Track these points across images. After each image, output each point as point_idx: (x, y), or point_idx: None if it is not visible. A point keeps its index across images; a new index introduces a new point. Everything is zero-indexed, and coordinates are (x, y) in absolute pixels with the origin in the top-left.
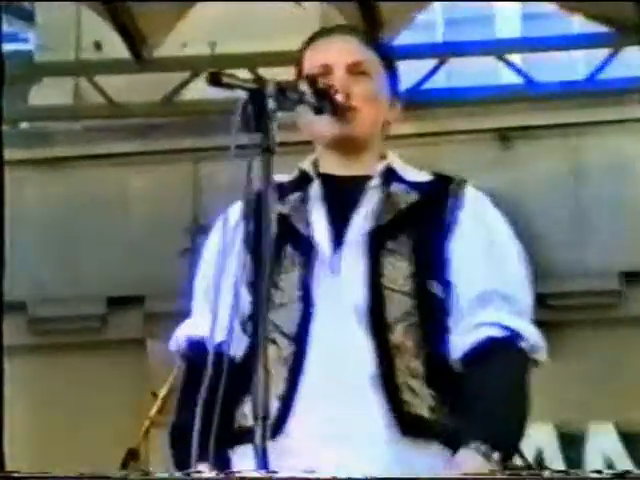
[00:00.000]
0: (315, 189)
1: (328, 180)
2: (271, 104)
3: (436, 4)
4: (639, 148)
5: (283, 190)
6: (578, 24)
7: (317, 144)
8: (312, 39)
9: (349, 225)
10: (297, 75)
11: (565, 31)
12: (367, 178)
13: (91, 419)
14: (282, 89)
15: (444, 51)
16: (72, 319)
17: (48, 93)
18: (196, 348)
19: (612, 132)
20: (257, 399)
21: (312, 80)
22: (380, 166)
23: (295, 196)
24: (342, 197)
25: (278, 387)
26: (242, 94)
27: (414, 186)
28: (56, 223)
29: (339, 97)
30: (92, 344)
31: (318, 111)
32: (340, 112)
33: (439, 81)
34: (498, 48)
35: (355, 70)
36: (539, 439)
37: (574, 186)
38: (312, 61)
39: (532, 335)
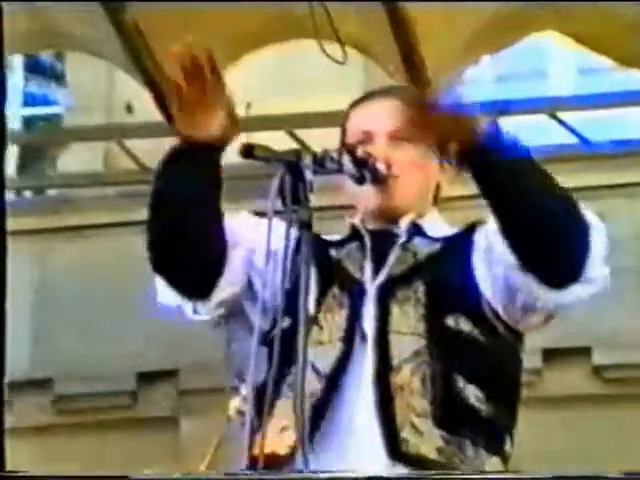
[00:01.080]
0: (368, 242)
1: (374, 236)
2: (308, 176)
3: (485, 61)
4: None
5: (338, 241)
6: (636, 80)
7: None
8: (356, 102)
9: (377, 278)
10: (342, 138)
11: (621, 87)
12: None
13: None
14: (320, 160)
15: (494, 109)
16: (101, 396)
17: (78, 158)
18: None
19: None
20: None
21: (351, 150)
22: (405, 223)
23: (352, 245)
24: (381, 252)
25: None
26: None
27: (437, 239)
28: (84, 293)
29: (380, 166)
30: (121, 422)
31: (359, 181)
32: (382, 181)
33: None
34: (551, 105)
35: (397, 136)
36: None
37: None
38: (354, 127)
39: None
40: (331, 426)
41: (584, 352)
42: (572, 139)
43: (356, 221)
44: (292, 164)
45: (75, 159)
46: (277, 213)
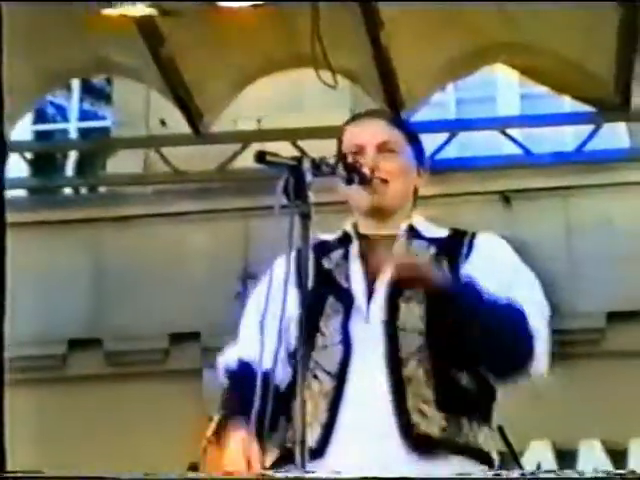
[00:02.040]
0: (355, 248)
1: (365, 240)
2: (308, 177)
3: (449, 87)
4: (620, 207)
5: (328, 247)
6: (568, 103)
7: (354, 210)
8: (349, 121)
9: (378, 279)
10: (338, 147)
11: (557, 110)
12: (395, 237)
13: (155, 439)
14: (317, 164)
15: (455, 126)
16: (140, 353)
17: (123, 162)
18: (245, 368)
19: (597, 194)
20: (297, 425)
21: (342, 157)
22: (403, 226)
23: (338, 253)
24: (375, 255)
25: (320, 417)
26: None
27: (433, 241)
28: (129, 271)
29: (365, 170)
30: (156, 374)
31: (348, 182)
32: (367, 183)
33: (451, 151)
34: (500, 124)
35: (384, 148)
36: (537, 454)
37: (567, 240)
38: (348, 141)
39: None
40: (346, 416)
41: None
42: (518, 150)
43: (348, 227)
44: (295, 168)
45: (121, 163)
46: (283, 207)
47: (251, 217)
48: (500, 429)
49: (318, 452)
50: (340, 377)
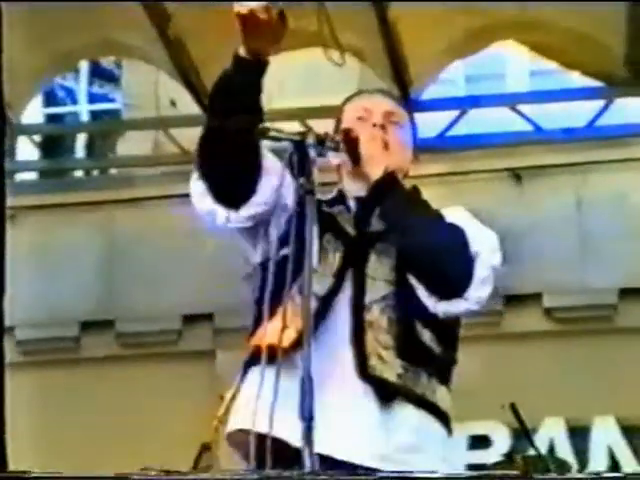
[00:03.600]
0: (353, 205)
1: (356, 201)
2: (312, 153)
3: (458, 64)
4: (633, 183)
5: (327, 201)
6: (578, 79)
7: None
8: (351, 97)
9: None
10: (336, 125)
11: (567, 86)
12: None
13: (168, 420)
14: (321, 140)
15: (465, 104)
16: (152, 334)
17: (133, 144)
18: None
19: (609, 169)
20: (303, 402)
21: (344, 131)
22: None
23: (340, 206)
24: (364, 215)
25: (297, 324)
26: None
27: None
28: (141, 253)
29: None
30: (169, 355)
31: (352, 157)
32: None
33: (461, 129)
34: (510, 100)
35: (389, 118)
36: (550, 431)
37: (578, 217)
38: (355, 106)
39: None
40: (323, 337)
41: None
42: (528, 127)
43: (342, 188)
44: (299, 143)
45: (131, 145)
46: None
47: None
48: (512, 406)
49: (288, 350)
50: (325, 301)
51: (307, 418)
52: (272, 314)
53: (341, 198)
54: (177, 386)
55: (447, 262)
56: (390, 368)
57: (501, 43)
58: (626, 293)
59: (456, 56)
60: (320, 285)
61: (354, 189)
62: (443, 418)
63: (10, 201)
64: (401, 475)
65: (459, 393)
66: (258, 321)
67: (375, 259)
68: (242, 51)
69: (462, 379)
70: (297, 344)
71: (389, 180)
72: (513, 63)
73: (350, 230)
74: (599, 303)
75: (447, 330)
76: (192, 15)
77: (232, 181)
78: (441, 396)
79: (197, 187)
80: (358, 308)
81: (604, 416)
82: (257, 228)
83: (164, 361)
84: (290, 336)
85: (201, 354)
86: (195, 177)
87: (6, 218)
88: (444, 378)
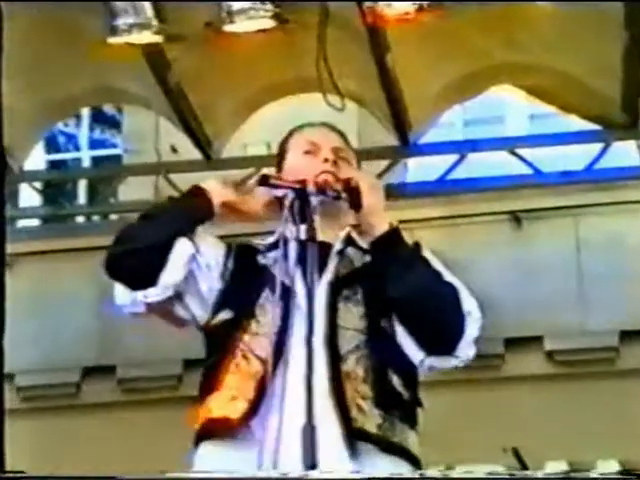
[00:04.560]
0: (293, 250)
1: (304, 246)
2: (313, 201)
3: (457, 108)
4: (630, 225)
5: (264, 247)
6: (577, 123)
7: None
8: (298, 127)
9: (320, 280)
10: (278, 159)
11: (566, 129)
12: (331, 245)
13: (170, 466)
14: (322, 188)
15: (463, 148)
16: (153, 379)
17: (133, 189)
18: None
19: (607, 212)
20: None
21: (346, 181)
22: (342, 234)
23: (277, 253)
24: (315, 259)
25: (246, 393)
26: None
27: (367, 251)
28: None
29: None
30: (171, 400)
31: (355, 208)
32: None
33: (461, 172)
34: (509, 144)
35: (338, 154)
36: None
37: (577, 259)
38: (300, 140)
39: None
40: (281, 399)
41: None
42: (527, 170)
43: (287, 232)
44: (300, 191)
45: (132, 190)
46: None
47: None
48: (514, 450)
49: (241, 422)
50: (274, 363)
51: (310, 467)
52: (219, 382)
53: (284, 240)
54: (179, 432)
55: (442, 319)
56: (370, 419)
57: (499, 87)
58: (627, 335)
59: (454, 100)
60: (263, 346)
61: (320, 232)
62: (415, 463)
63: (11, 247)
64: (397, 476)
65: (460, 436)
66: (205, 388)
67: (343, 307)
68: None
69: (463, 422)
70: (249, 414)
71: (394, 236)
72: (512, 106)
73: (288, 280)
74: (600, 346)
75: (411, 373)
76: (192, 62)
77: (138, 267)
78: (412, 441)
79: (116, 287)
80: (335, 360)
81: (607, 460)
82: (181, 295)
83: (165, 406)
84: (240, 407)
85: None
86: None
87: (6, 263)
88: (413, 422)
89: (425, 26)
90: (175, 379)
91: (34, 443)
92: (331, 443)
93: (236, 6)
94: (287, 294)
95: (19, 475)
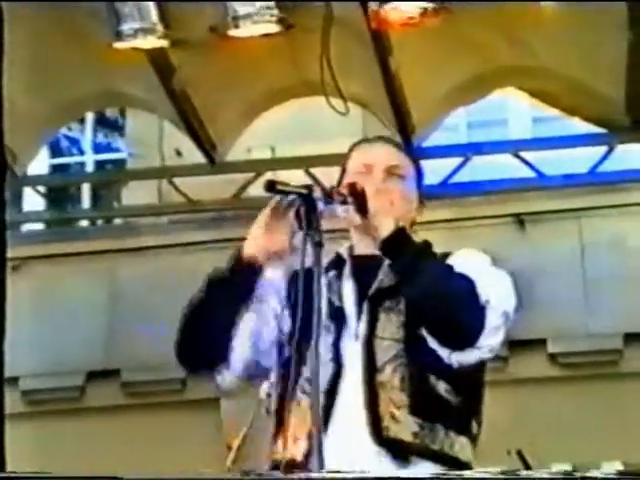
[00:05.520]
0: (347, 268)
1: (358, 260)
2: (320, 206)
3: (460, 111)
4: (634, 228)
5: (325, 269)
6: (581, 125)
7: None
8: (355, 144)
9: (366, 294)
10: (340, 176)
11: (569, 132)
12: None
13: (174, 470)
14: (328, 193)
15: (467, 151)
16: (157, 383)
17: (137, 193)
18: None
19: (610, 215)
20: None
21: (350, 185)
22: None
23: (332, 274)
24: (367, 274)
25: (308, 432)
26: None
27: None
28: (146, 302)
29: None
30: (175, 404)
31: (359, 210)
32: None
33: (464, 175)
34: (512, 147)
35: (392, 172)
36: None
37: (581, 262)
38: (355, 161)
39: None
40: (333, 428)
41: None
42: (531, 173)
43: (341, 250)
44: (306, 196)
45: (135, 194)
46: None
47: None
48: (519, 452)
49: (303, 464)
50: (331, 394)
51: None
52: (283, 421)
53: (338, 261)
54: (183, 435)
55: (457, 314)
56: (405, 427)
57: (503, 90)
58: (631, 338)
59: (458, 103)
60: (322, 377)
61: (363, 244)
62: (464, 469)
63: (16, 251)
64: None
65: None
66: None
67: (384, 318)
68: None
69: None
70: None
71: (400, 236)
72: (515, 109)
73: (339, 302)
74: (604, 348)
75: (466, 379)
76: (196, 66)
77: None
78: (460, 447)
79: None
80: (370, 371)
81: (611, 461)
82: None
83: (170, 410)
84: (302, 447)
85: (206, 403)
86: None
87: (6, 266)
88: (464, 428)
89: (429, 29)
90: (179, 383)
91: (38, 446)
92: (362, 455)
93: (241, 11)
94: (340, 316)
95: (19, 475)
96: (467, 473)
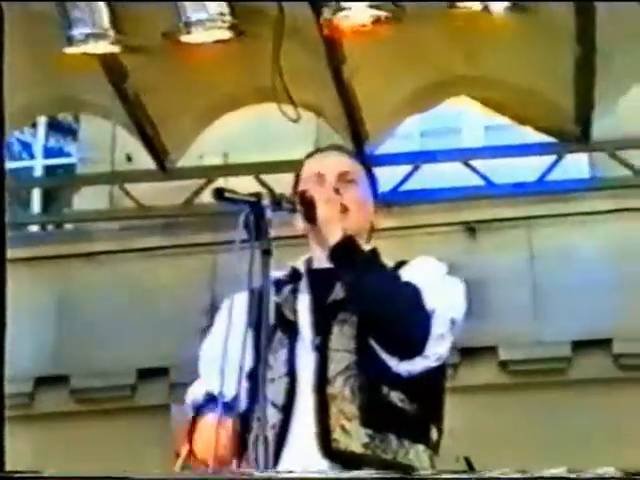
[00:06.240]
0: (303, 283)
1: (316, 274)
2: (268, 213)
3: (414, 119)
4: (582, 236)
5: (279, 283)
6: (533, 134)
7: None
8: (309, 155)
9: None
10: (295, 184)
11: (522, 140)
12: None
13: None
14: (277, 201)
15: (418, 159)
16: (107, 389)
17: (88, 199)
18: (211, 402)
19: (560, 223)
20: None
21: (301, 193)
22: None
23: (288, 288)
24: (325, 287)
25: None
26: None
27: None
28: (96, 307)
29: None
30: (125, 410)
31: (308, 219)
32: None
33: (414, 183)
34: (464, 156)
35: (344, 178)
36: None
37: (531, 270)
38: (308, 171)
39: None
40: (289, 442)
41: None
42: (480, 182)
43: (298, 263)
44: (255, 204)
45: (87, 200)
46: (244, 241)
47: (217, 252)
48: (466, 459)
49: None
50: (286, 409)
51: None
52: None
53: (295, 274)
54: (132, 441)
55: (401, 323)
56: (355, 439)
57: (455, 99)
58: (579, 345)
59: (410, 112)
60: (277, 392)
61: (318, 255)
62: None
63: None
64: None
65: None
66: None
67: (337, 330)
68: None
69: None
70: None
71: (347, 244)
72: (468, 118)
73: (294, 317)
74: (553, 356)
75: (422, 386)
76: (149, 72)
77: None
78: (416, 455)
79: None
80: (321, 384)
81: (557, 468)
82: None
83: (119, 416)
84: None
85: (156, 409)
86: None
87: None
88: (420, 436)
89: (382, 38)
90: (129, 389)
91: None
92: (314, 469)
93: (193, 17)
94: (294, 330)
95: (19, 475)
96: (423, 473)
